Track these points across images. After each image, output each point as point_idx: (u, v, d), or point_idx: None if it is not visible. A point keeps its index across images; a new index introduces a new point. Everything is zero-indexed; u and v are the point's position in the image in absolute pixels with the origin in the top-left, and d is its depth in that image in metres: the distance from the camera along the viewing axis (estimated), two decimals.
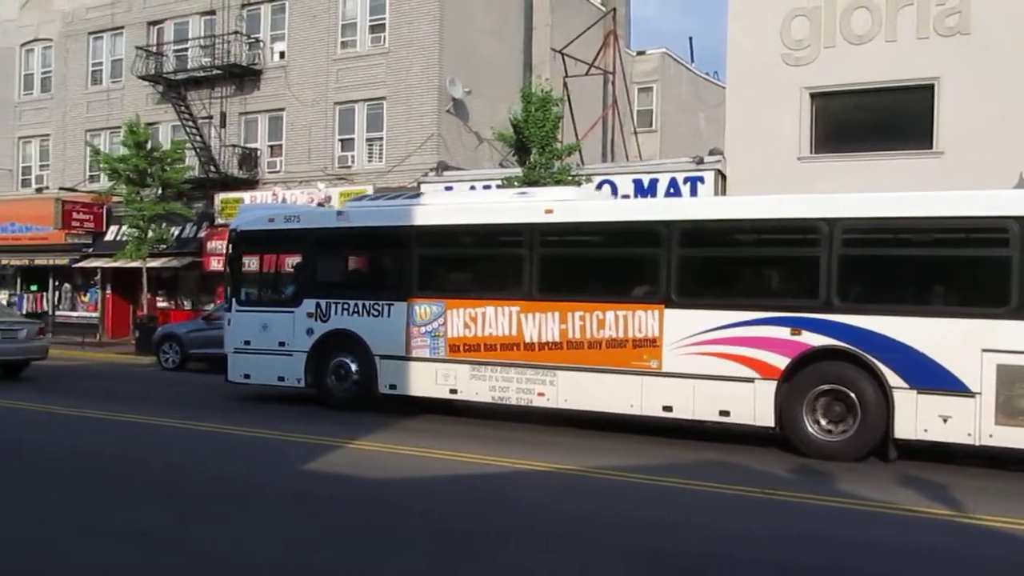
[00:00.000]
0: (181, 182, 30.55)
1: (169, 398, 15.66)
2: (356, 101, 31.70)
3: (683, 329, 13.11)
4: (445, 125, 30.82)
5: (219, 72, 32.70)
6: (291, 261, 15.29)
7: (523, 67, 32.80)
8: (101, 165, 31.15)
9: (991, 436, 11.39)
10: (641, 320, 13.36)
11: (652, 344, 13.33)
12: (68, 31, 37.55)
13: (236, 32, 32.77)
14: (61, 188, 35.76)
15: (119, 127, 33.42)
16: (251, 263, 15.50)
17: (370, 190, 28.74)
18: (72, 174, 36.97)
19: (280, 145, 32.75)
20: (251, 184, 32.33)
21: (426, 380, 14.75)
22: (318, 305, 15.50)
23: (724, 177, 24.80)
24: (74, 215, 33.08)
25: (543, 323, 13.88)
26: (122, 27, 36.23)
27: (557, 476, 10.03)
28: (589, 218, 13.69)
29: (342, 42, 31.68)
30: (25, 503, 7.99)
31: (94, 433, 11.76)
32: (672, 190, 25.36)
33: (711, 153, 25.84)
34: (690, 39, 67.79)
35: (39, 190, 38.27)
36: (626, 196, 24.39)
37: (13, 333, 19.22)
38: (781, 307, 12.57)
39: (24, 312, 34.13)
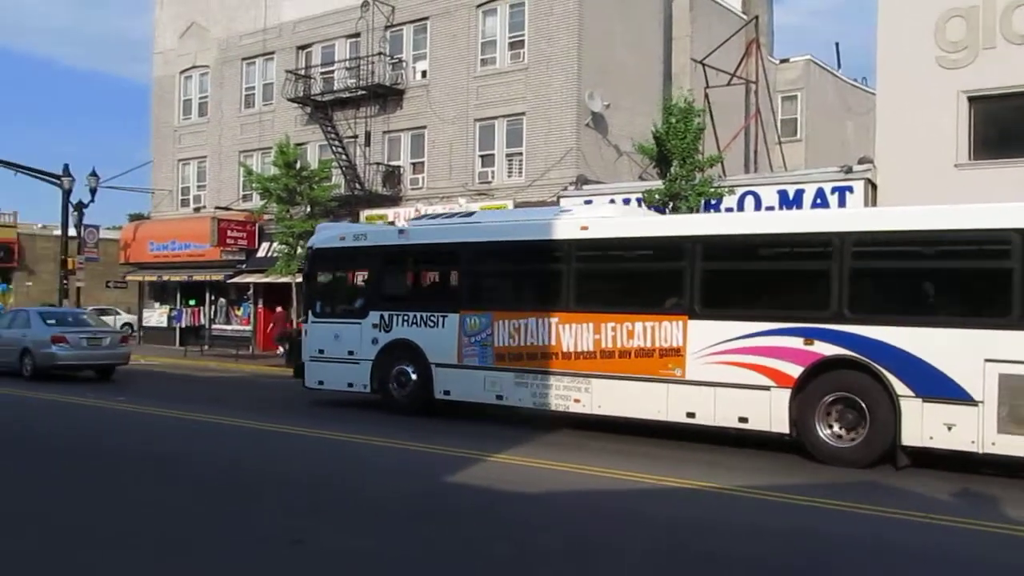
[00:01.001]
0: (328, 200, 33.14)
1: (303, 409, 18.57)
2: (496, 117, 33.91)
3: (705, 339, 15.06)
4: (584, 139, 32.63)
5: (363, 92, 36.46)
6: (359, 276, 17.78)
7: (662, 79, 35.24)
8: (253, 185, 34.27)
9: (994, 444, 12.71)
10: (667, 331, 15.43)
11: (676, 354, 15.31)
12: (223, 57, 43.09)
13: (380, 53, 36.61)
14: (217, 207, 40.64)
15: (270, 148, 37.85)
16: (325, 278, 17.75)
17: (510, 205, 31.27)
18: (227, 194, 42.01)
19: (422, 162, 35.74)
20: (394, 201, 35.56)
21: (475, 387, 17.41)
22: (382, 317, 18.60)
23: (874, 186, 25.98)
24: (228, 233, 37.33)
25: (579, 334, 16.23)
26: (273, 52, 41.24)
27: (707, 495, 10.95)
28: (619, 234, 16.25)
29: (482, 59, 34.52)
30: (191, 510, 9.58)
31: (250, 443, 14.20)
32: (819, 200, 26.45)
33: (860, 162, 26.77)
34: (836, 44, 66.53)
35: (197, 209, 43.52)
36: (770, 208, 26.38)
37: (99, 340, 22.63)
38: (795, 318, 14.35)
39: (183, 326, 41.13)
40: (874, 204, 24.87)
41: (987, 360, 12.38)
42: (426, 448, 13.88)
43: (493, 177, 33.14)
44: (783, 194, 26.88)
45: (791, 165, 34.79)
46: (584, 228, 15.95)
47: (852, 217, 14.16)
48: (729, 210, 25.24)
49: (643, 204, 24.97)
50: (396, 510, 9.62)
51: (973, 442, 12.46)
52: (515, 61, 33.42)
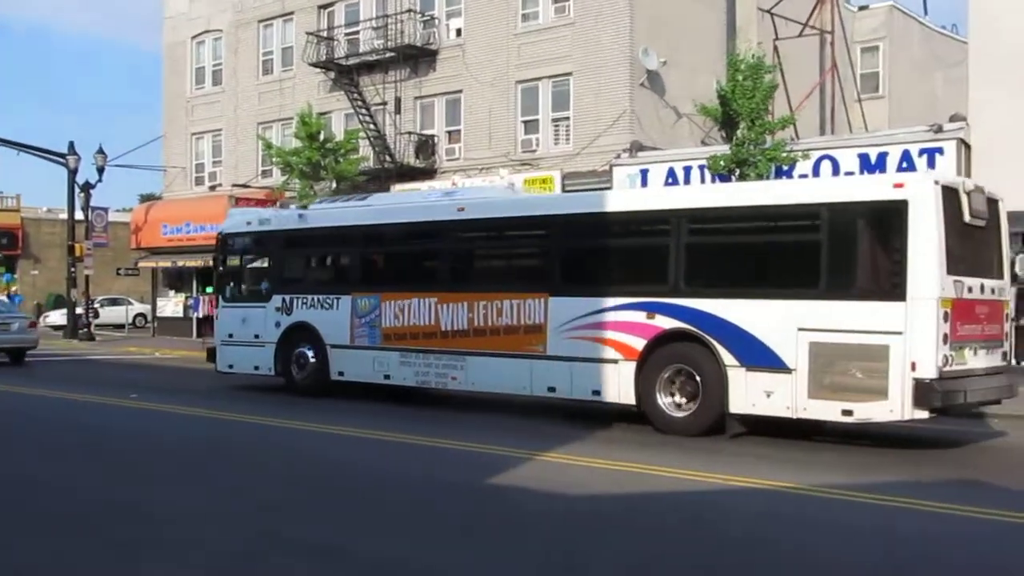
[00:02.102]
0: (355, 174, 33.89)
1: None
2: (540, 79, 33.90)
3: (564, 315, 17.57)
4: (639, 100, 32.20)
5: (392, 55, 37.07)
6: (264, 261, 19.40)
7: (726, 31, 34.90)
8: (273, 159, 35.59)
9: (805, 409, 14.94)
10: (531, 308, 17.95)
11: (539, 330, 17.75)
12: (238, 20, 44.54)
13: (409, 11, 37.29)
14: (234, 185, 40.43)
15: (291, 118, 39.16)
16: (234, 263, 20.06)
17: (557, 176, 31.79)
18: (245, 170, 43.31)
19: (458, 130, 36.17)
20: (428, 173, 36.22)
21: (366, 367, 20.23)
22: (284, 300, 21.82)
23: (968, 147, 26.18)
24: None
25: (455, 313, 18.94)
26: (292, 12, 42.18)
27: (792, 497, 11.20)
28: (491, 214, 19.06)
29: (523, 15, 34.79)
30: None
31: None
32: (905, 164, 26.95)
33: (951, 120, 26.71)
34: None
35: (212, 188, 43.37)
36: (850, 173, 27.17)
37: (7, 325, 25.02)
38: (640, 293, 16.79)
39: (200, 315, 43.15)
40: (967, 166, 25.46)
41: (800, 329, 14.58)
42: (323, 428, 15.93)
43: (537, 145, 33.75)
44: (864, 158, 27.05)
45: (872, 125, 34.45)
46: (461, 210, 17.85)
47: (684, 194, 15.85)
48: (803, 177, 25.96)
49: (707, 171, 25.62)
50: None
51: (788, 408, 14.59)
52: (560, 15, 33.60)
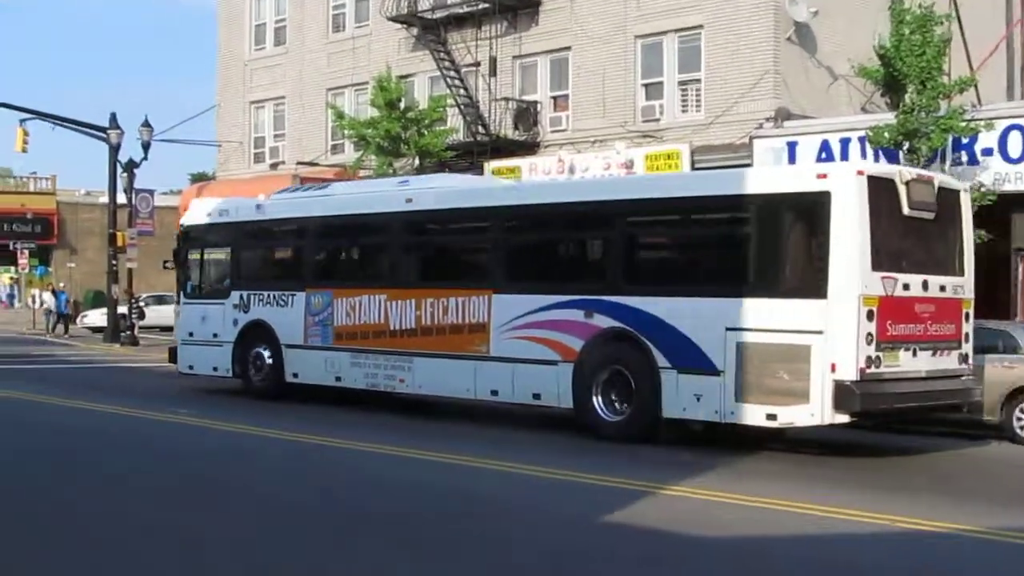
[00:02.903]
0: (442, 149, 33.52)
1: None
2: (664, 33, 31.57)
3: (507, 314, 19.62)
4: (785, 59, 30.01)
5: (486, 6, 34.78)
6: (223, 255, 21.36)
7: None
8: (345, 132, 35.65)
9: (732, 413, 16.77)
10: (475, 306, 20.09)
11: (483, 330, 19.76)
12: None
13: None
14: (299, 163, 39.94)
15: (366, 83, 37.30)
16: (194, 257, 22.33)
17: (684, 151, 29.72)
18: (311, 144, 41.58)
19: (565, 96, 34.28)
20: (529, 148, 34.52)
21: (319, 368, 22.51)
22: (241, 297, 24.30)
23: None
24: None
25: (403, 311, 21.34)
26: None
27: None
28: (438, 206, 21.65)
29: None
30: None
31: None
32: None
33: None
34: None
35: (274, 166, 42.84)
36: None
37: None
38: (579, 290, 18.74)
39: None
40: None
41: (728, 329, 16.18)
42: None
43: (661, 113, 31.81)
44: None
45: None
46: (409, 201, 19.56)
47: (624, 185, 17.35)
48: (987, 152, 25.38)
49: (868, 145, 24.18)
50: None
51: (716, 412, 16.39)
52: None
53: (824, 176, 15.80)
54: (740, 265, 16.69)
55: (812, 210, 15.84)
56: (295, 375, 22.48)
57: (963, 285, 17.29)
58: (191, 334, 24.45)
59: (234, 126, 44.65)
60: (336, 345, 21.63)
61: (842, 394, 15.23)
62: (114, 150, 41.97)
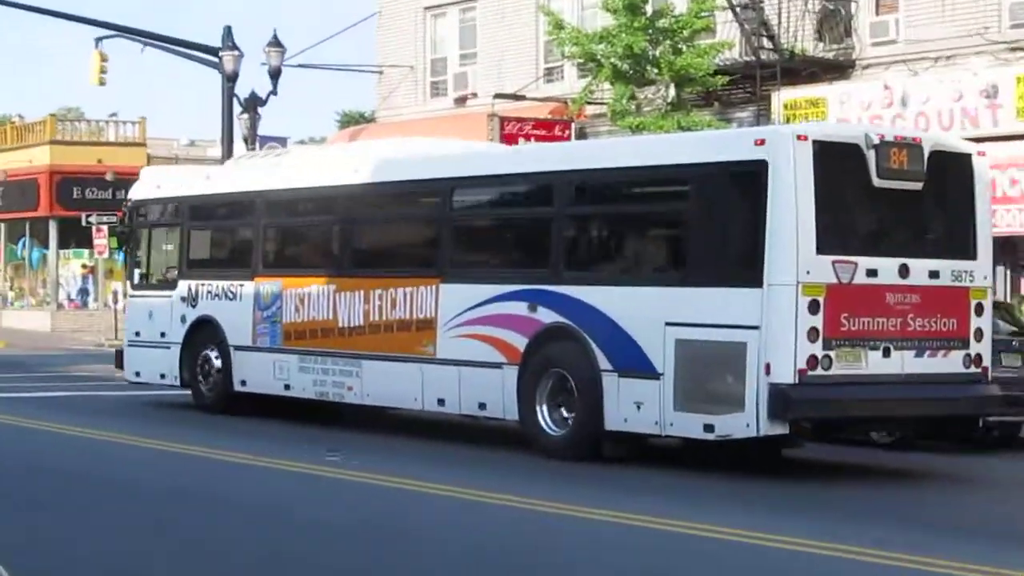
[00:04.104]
0: (709, 72, 32.34)
1: None
2: None
3: (454, 307, 22.29)
4: None
5: None
6: (171, 236, 24.49)
7: None
8: (566, 50, 34.42)
9: (672, 425, 19.01)
10: (422, 298, 23.30)
11: (429, 327, 22.43)
12: None
13: None
14: (496, 96, 38.61)
15: None
16: (143, 239, 25.03)
17: None
18: (515, 69, 40.67)
19: None
20: (840, 69, 33.24)
21: (266, 374, 25.47)
22: (190, 288, 25.72)
23: None
24: (521, 141, 35.17)
25: (352, 304, 23.63)
26: None
27: None
28: (389, 176, 23.64)
29: None
30: None
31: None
32: None
33: None
34: None
35: (460, 101, 42.37)
36: None
37: None
38: (523, 279, 21.27)
39: None
40: None
41: (667, 324, 18.35)
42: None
43: None
44: None
45: None
46: (356, 171, 22.41)
47: (563, 152, 19.85)
48: None
49: None
50: None
51: (656, 423, 18.86)
52: None
53: (762, 142, 17.85)
54: (677, 249, 19.11)
55: (748, 183, 17.92)
56: (243, 382, 25.37)
57: (972, 271, 18.80)
58: (138, 334, 27.54)
59: (402, 44, 44.07)
60: (285, 346, 24.54)
61: (776, 400, 17.17)
62: (229, 81, 41.07)
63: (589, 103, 34.81)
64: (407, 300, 22.21)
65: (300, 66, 42.76)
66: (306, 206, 25.05)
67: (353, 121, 62.98)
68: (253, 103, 41.52)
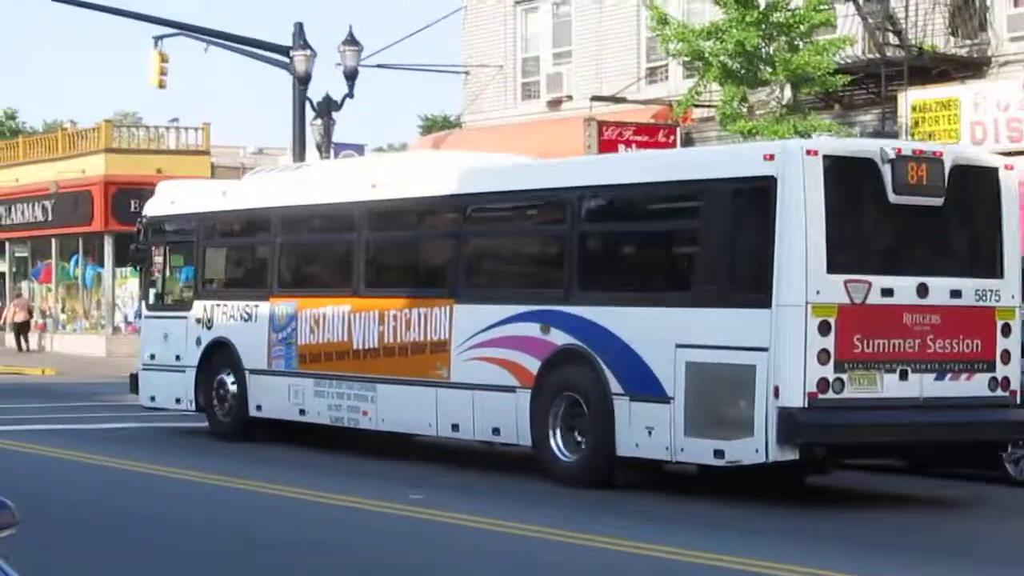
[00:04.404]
0: (829, 71, 31.92)
1: None
2: None
3: (468, 328, 23.36)
4: None
5: None
6: (187, 254, 25.65)
7: None
8: (670, 47, 33.82)
9: (682, 451, 19.94)
10: (436, 319, 24.25)
11: (443, 348, 23.55)
12: None
13: None
14: (594, 98, 38.81)
15: None
16: (158, 257, 26.51)
17: None
18: (615, 70, 40.56)
19: None
20: (973, 66, 33.14)
21: (281, 398, 26.64)
22: (205, 309, 27.20)
23: None
24: (621, 148, 34.84)
25: (367, 326, 24.39)
26: None
27: None
28: (408, 193, 24.71)
29: None
30: None
31: None
32: None
33: None
34: None
35: (554, 104, 42.67)
36: None
37: None
38: (536, 299, 22.38)
39: None
40: None
41: (678, 346, 19.23)
42: None
43: None
44: None
45: None
46: (374, 187, 23.42)
47: (583, 168, 20.77)
48: None
49: None
50: None
51: (667, 448, 19.73)
52: None
53: (771, 157, 18.65)
54: (687, 268, 20.12)
55: (757, 200, 18.87)
56: (259, 407, 26.40)
57: (998, 290, 19.41)
58: (152, 356, 28.68)
59: (490, 42, 44.16)
60: (300, 369, 25.60)
61: (784, 424, 17.99)
62: (301, 83, 41.25)
63: (696, 106, 34.76)
64: (421, 321, 23.17)
65: (378, 66, 43.24)
66: (321, 223, 26.20)
67: (436, 126, 64.30)
68: (327, 107, 41.42)
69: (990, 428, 19.65)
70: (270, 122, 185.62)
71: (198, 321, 27.66)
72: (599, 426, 20.39)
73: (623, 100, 38.03)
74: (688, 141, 36.53)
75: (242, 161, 67.78)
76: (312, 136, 41.87)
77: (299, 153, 41.62)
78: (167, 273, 29.33)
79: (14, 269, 69.79)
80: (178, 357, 27.93)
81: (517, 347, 21.67)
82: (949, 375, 19.18)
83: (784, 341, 18.20)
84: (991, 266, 19.69)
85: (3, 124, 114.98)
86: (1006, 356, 19.55)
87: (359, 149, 44.78)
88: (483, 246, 23.48)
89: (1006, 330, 19.59)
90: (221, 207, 27.88)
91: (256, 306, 26.49)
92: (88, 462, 23.48)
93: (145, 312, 29.34)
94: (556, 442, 21.09)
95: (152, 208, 29.28)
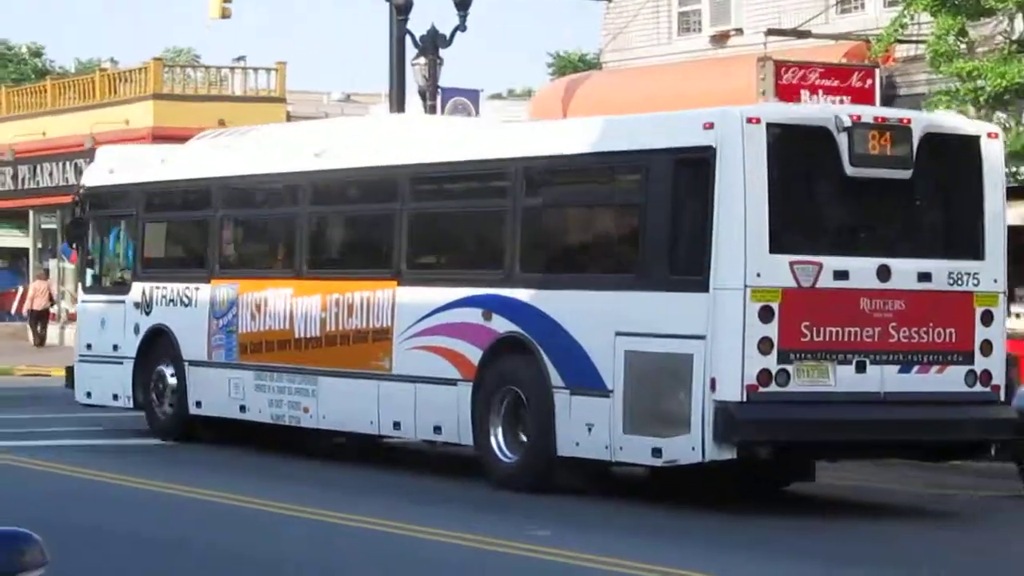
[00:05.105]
0: None
1: None
2: None
3: (411, 314, 25.13)
4: None
5: None
6: (125, 229, 27.49)
7: None
8: None
9: (621, 449, 21.42)
10: (380, 304, 25.58)
11: (385, 337, 25.28)
12: None
13: None
14: (770, 32, 37.55)
15: None
16: (97, 232, 28.16)
17: None
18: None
19: None
20: None
21: (221, 393, 28.39)
22: (144, 292, 29.50)
23: None
24: (804, 95, 34.04)
25: (308, 311, 25.94)
26: None
27: None
28: (349, 162, 26.49)
29: None
30: None
31: None
32: None
33: None
34: None
35: (718, 39, 41.62)
36: None
37: None
38: (479, 281, 24.03)
39: None
40: None
41: (617, 334, 20.71)
42: None
43: None
44: None
45: None
46: (317, 156, 25.23)
47: (524, 136, 22.45)
48: None
49: None
50: None
51: (607, 447, 21.13)
52: None
53: (710, 126, 19.98)
54: (626, 248, 21.63)
55: (696, 173, 20.18)
56: (199, 404, 28.03)
57: (977, 273, 20.37)
58: (89, 346, 30.40)
59: None
60: (241, 360, 27.34)
61: (721, 421, 19.24)
62: (400, 13, 39.70)
63: (900, 41, 33.87)
64: (364, 307, 24.87)
65: None
66: (263, 196, 28.00)
67: (570, 67, 63.85)
68: (433, 43, 40.11)
69: (967, 427, 20.69)
70: (362, 62, 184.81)
71: (136, 306, 29.23)
72: (539, 423, 21.85)
73: (807, 35, 36.55)
74: (890, 86, 35.11)
75: (326, 110, 66.30)
76: (414, 79, 40.50)
77: (397, 100, 39.74)
78: (105, 252, 31.09)
79: (39, 245, 69.58)
80: (115, 347, 29.56)
81: (459, 335, 23.19)
82: (916, 367, 20.17)
83: (721, 329, 19.43)
84: (969, 247, 20.68)
85: (26, 63, 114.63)
86: (987, 347, 20.49)
87: (473, 96, 43.12)
88: (426, 223, 25.05)
89: (987, 318, 20.52)
90: (160, 176, 29.56)
91: (196, 289, 28.13)
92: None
93: (81, 295, 31.12)
94: (497, 441, 22.56)
95: (90, 177, 31.16)
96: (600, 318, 21.12)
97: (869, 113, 20.84)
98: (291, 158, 26.72)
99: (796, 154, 20.16)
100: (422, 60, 39.91)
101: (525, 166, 22.74)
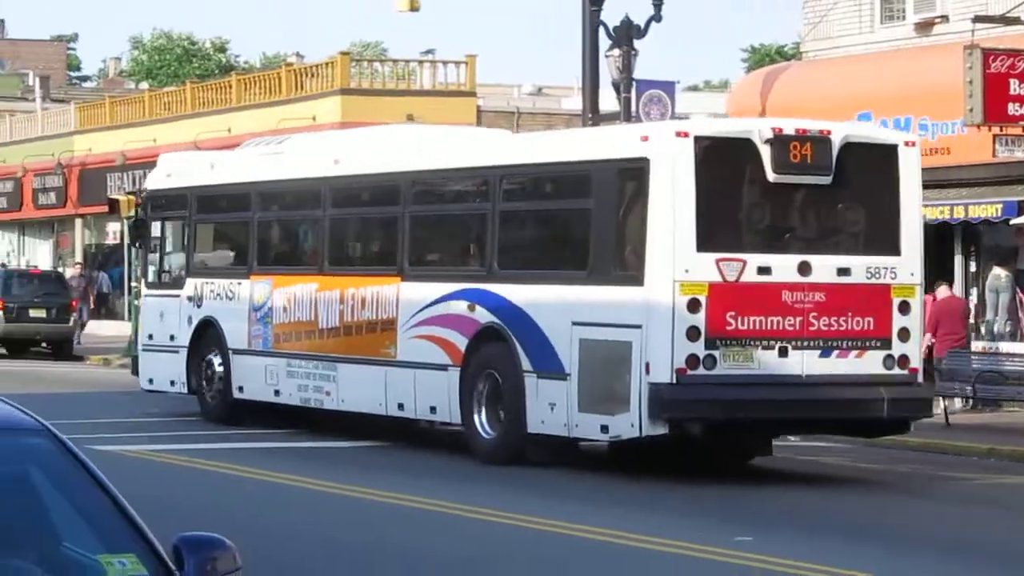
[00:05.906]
0: None
1: None
2: None
3: (412, 306, 28.12)
4: None
5: None
6: (181, 230, 30.38)
7: None
8: None
9: (577, 426, 24.26)
10: (387, 298, 27.76)
11: (391, 327, 28.09)
12: None
13: None
14: (977, 19, 36.01)
15: None
16: (157, 233, 31.15)
17: None
18: None
19: None
20: None
21: (259, 379, 31.15)
22: (195, 287, 31.77)
23: None
24: (1012, 84, 33.10)
25: (329, 305, 28.10)
26: None
27: None
28: (370, 169, 29.30)
29: None
30: None
31: None
32: None
33: None
34: None
35: (923, 26, 40.14)
36: None
37: None
38: (465, 277, 27.11)
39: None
40: None
41: (573, 323, 23.35)
42: None
43: None
44: None
45: None
46: (336, 163, 27.82)
47: (500, 146, 25.02)
48: None
49: None
50: None
51: (565, 425, 23.68)
52: None
53: (646, 139, 22.78)
54: (579, 247, 24.11)
55: (634, 181, 22.89)
56: (241, 389, 30.72)
57: (894, 267, 22.75)
58: (151, 337, 33.33)
59: None
60: (275, 349, 30.04)
61: (654, 400, 21.73)
62: (593, 4, 38.25)
63: None
64: (374, 300, 27.54)
65: None
66: (292, 200, 30.65)
67: (768, 59, 64.55)
68: (627, 34, 38.63)
69: (883, 405, 22.71)
70: (554, 54, 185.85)
71: (189, 299, 31.95)
72: (512, 404, 24.41)
73: (1016, 21, 34.66)
74: None
75: (516, 104, 66.50)
76: (608, 71, 38.92)
77: (591, 93, 38.34)
78: (165, 250, 33.77)
79: None
80: (172, 337, 32.33)
81: (449, 325, 25.87)
82: (836, 352, 22.58)
83: (654, 318, 21.98)
84: (888, 244, 23.01)
85: (210, 59, 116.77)
86: (904, 334, 22.80)
87: (668, 88, 41.62)
88: (424, 224, 27.74)
89: (904, 307, 22.83)
90: (208, 181, 32.31)
91: (238, 284, 30.89)
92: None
93: (145, 291, 33.96)
94: (480, 419, 25.23)
95: (152, 181, 33.88)
96: (560, 309, 23.69)
97: (791, 125, 22.94)
98: (314, 164, 29.37)
99: (723, 163, 22.52)
100: (616, 51, 38.71)
101: (501, 175, 25.41)
